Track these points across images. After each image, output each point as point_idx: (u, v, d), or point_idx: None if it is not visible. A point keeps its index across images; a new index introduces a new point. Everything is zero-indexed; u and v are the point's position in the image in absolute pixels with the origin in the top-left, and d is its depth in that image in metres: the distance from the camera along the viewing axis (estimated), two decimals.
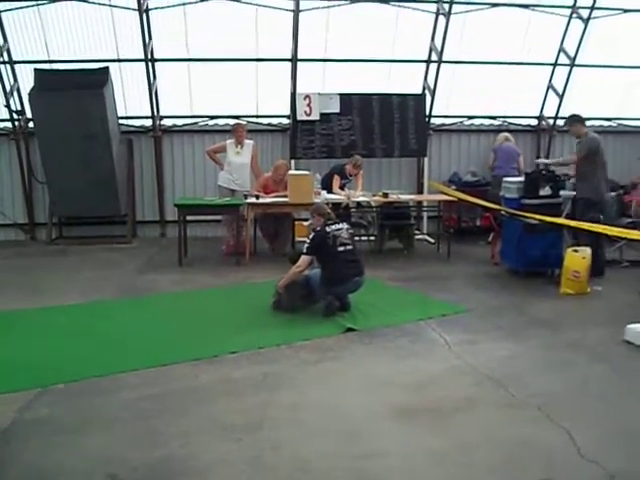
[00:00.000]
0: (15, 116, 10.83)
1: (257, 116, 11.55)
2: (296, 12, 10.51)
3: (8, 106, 10.76)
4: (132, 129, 11.31)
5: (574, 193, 8.74)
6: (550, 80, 12.03)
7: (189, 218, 9.70)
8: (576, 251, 7.60)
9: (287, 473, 3.67)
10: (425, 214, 11.52)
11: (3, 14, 10.26)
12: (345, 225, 6.96)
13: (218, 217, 10.31)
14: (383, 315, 6.68)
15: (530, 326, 6.37)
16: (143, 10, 10.20)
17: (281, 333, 6.14)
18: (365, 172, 10.46)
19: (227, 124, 11.09)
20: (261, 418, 4.29)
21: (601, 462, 3.66)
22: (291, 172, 9.84)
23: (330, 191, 9.73)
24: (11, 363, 5.30)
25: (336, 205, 9.17)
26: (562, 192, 8.49)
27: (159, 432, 4.11)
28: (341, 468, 3.70)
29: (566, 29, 11.53)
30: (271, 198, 9.49)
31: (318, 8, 10.68)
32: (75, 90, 9.64)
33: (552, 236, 8.17)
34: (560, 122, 11.42)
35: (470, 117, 12.16)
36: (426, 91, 11.63)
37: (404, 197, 10.23)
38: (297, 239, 9.58)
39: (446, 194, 10.55)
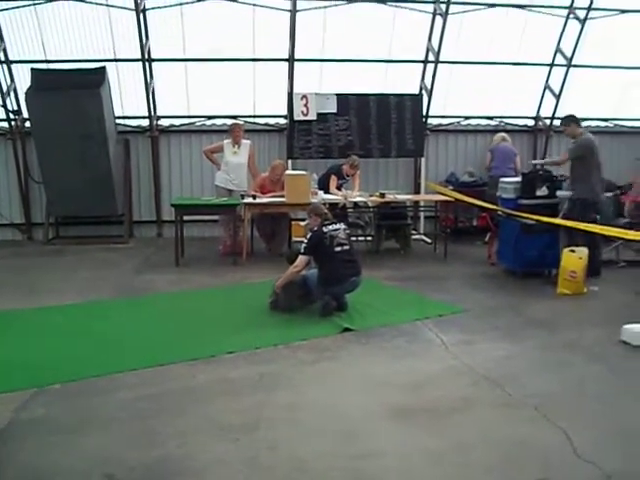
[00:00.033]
0: (12, 116, 10.82)
1: (254, 116, 11.55)
2: (293, 12, 10.52)
3: (5, 106, 10.75)
4: (129, 129, 11.31)
5: (571, 193, 8.75)
6: (547, 80, 12.06)
7: (186, 218, 9.70)
8: (573, 251, 7.61)
9: (284, 473, 3.67)
10: (422, 214, 11.52)
11: (0, 14, 10.24)
12: (342, 225, 6.97)
13: (215, 217, 10.30)
14: (380, 315, 6.68)
15: (527, 326, 6.38)
16: (140, 10, 10.19)
17: (278, 333, 6.14)
18: (362, 172, 10.45)
19: (224, 124, 11.11)
20: (258, 418, 4.29)
21: (597, 462, 3.67)
22: (288, 172, 9.84)
23: (327, 191, 9.73)
24: (8, 363, 5.29)
25: (333, 205, 9.18)
26: (559, 192, 8.49)
27: (156, 432, 4.11)
28: (338, 468, 3.70)
29: (563, 29, 11.56)
30: (268, 198, 9.48)
31: (315, 8, 10.69)
32: (72, 90, 9.64)
33: (549, 236, 8.17)
34: (557, 122, 11.43)
35: (467, 117, 12.17)
36: (423, 91, 11.64)
37: (401, 197, 10.25)
38: (294, 239, 9.58)
39: (443, 194, 10.56)
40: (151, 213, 11.47)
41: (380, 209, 10.17)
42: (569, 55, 11.68)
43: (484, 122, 12.29)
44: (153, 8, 10.42)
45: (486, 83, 11.65)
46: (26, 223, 11.19)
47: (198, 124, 11.51)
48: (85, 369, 5.17)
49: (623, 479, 3.58)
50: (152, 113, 11.17)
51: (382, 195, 9.85)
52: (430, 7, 11.00)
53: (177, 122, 11.48)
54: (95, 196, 10.31)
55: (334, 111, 11.06)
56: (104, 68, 10.18)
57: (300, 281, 6.82)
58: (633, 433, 4.11)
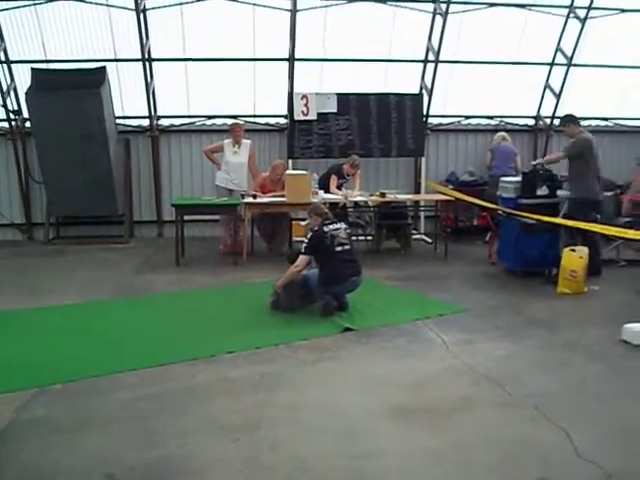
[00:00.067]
0: (12, 116, 10.82)
1: (254, 116, 11.55)
2: (293, 12, 10.52)
3: (5, 106, 10.75)
4: (129, 129, 11.31)
5: (569, 193, 8.74)
6: (547, 80, 12.06)
7: (186, 218, 9.69)
8: (573, 251, 7.61)
9: (285, 473, 3.67)
10: (422, 214, 11.52)
11: (0, 13, 10.24)
12: (343, 225, 6.97)
13: (215, 217, 10.31)
14: (380, 315, 6.68)
15: (527, 326, 6.38)
16: (140, 10, 10.20)
17: (279, 333, 6.14)
18: (362, 172, 10.45)
19: (224, 124, 11.11)
20: (259, 418, 4.29)
21: (598, 461, 3.67)
22: (288, 172, 9.84)
23: (327, 191, 9.73)
24: (8, 363, 5.29)
25: (333, 205, 9.18)
26: (559, 192, 8.49)
27: (156, 432, 4.11)
28: (339, 468, 3.70)
29: (563, 29, 11.55)
30: (268, 198, 9.48)
31: (315, 8, 10.69)
32: (72, 90, 9.64)
33: (549, 236, 8.16)
34: (557, 122, 11.42)
35: (467, 117, 12.17)
36: (423, 91, 11.64)
37: (401, 197, 10.24)
38: (294, 239, 9.58)
39: (443, 194, 10.55)
40: (151, 213, 11.47)
41: (380, 209, 10.17)
42: (569, 54, 11.68)
43: (484, 121, 12.29)
44: (153, 8, 10.42)
45: (486, 82, 11.64)
46: (26, 223, 11.19)
47: (198, 124, 11.51)
48: (85, 369, 5.17)
49: (624, 478, 3.58)
50: (152, 113, 11.17)
51: (382, 195, 9.85)
52: (430, 6, 11.00)
53: (177, 122, 11.48)
54: (95, 196, 10.31)
55: (334, 111, 11.06)
56: (104, 68, 10.18)
57: (301, 281, 6.82)
58: (634, 432, 4.11)
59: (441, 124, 12.10)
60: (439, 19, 10.94)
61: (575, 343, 5.85)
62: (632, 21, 11.41)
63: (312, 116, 10.97)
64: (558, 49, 11.75)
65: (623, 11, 11.35)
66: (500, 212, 8.89)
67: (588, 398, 4.68)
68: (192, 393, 4.77)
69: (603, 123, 12.64)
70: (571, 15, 11.38)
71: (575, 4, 11.27)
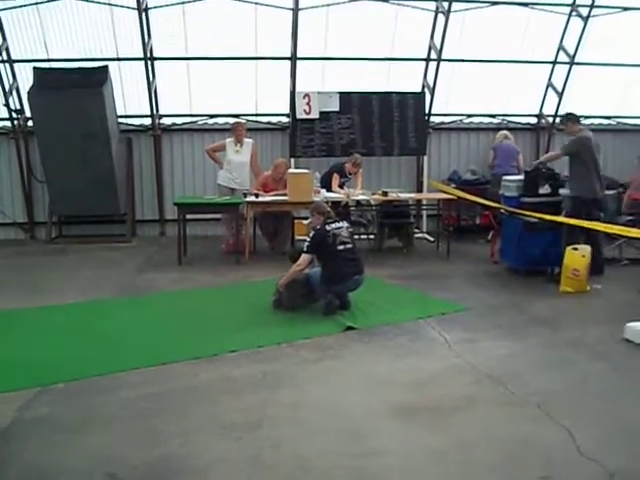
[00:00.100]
0: (14, 115, 10.83)
1: (256, 115, 11.54)
2: (295, 10, 10.50)
3: (7, 105, 10.75)
4: (131, 128, 11.30)
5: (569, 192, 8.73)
6: (549, 78, 12.04)
7: (189, 217, 9.70)
8: (576, 249, 7.60)
9: (287, 472, 3.67)
10: (424, 212, 11.52)
11: (2, 13, 10.24)
12: (345, 224, 6.96)
13: (218, 216, 10.31)
14: (383, 313, 6.68)
15: (530, 324, 6.38)
16: (142, 9, 10.20)
17: (281, 332, 6.14)
18: (364, 171, 10.45)
19: (227, 123, 11.09)
20: (261, 417, 4.29)
21: (601, 460, 3.66)
22: (291, 171, 9.84)
23: (329, 190, 9.73)
24: (11, 362, 5.30)
25: (335, 204, 9.17)
26: (562, 190, 8.48)
27: (158, 431, 4.11)
28: (341, 467, 3.70)
29: (565, 27, 11.53)
30: (271, 197, 9.49)
31: (317, 6, 10.66)
32: (74, 89, 9.64)
33: (552, 234, 8.15)
34: (559, 120, 11.42)
35: (469, 115, 12.16)
36: (425, 89, 11.63)
37: (403, 195, 10.23)
38: (297, 238, 9.58)
39: (445, 192, 10.55)
40: (154, 212, 11.47)
41: (383, 207, 10.16)
42: (572, 53, 11.66)
43: (487, 120, 12.27)
44: (155, 7, 10.42)
45: (488, 81, 11.63)
46: (29, 222, 11.20)
47: (200, 123, 11.51)
48: (88, 368, 5.17)
49: (626, 477, 3.58)
50: (154, 112, 11.17)
51: (385, 193, 9.85)
52: (432, 5, 10.98)
53: (179, 121, 11.47)
54: (98, 195, 10.31)
55: (337, 109, 11.06)
56: (106, 67, 10.18)
57: (303, 280, 6.82)
58: (636, 431, 4.10)
59: (443, 123, 12.08)
60: (441, 17, 10.92)
61: (578, 342, 5.84)
62: (634, 19, 11.39)
63: (314, 115, 10.97)
64: (560, 47, 11.73)
65: (625, 9, 11.32)
66: (502, 211, 8.88)
67: (591, 397, 4.68)
68: (194, 392, 4.78)
69: (606, 121, 12.63)
70: (573, 13, 11.36)
71: (577, 2, 11.24)
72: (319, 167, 10.55)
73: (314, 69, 11.35)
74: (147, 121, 11.29)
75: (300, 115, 10.93)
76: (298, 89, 11.10)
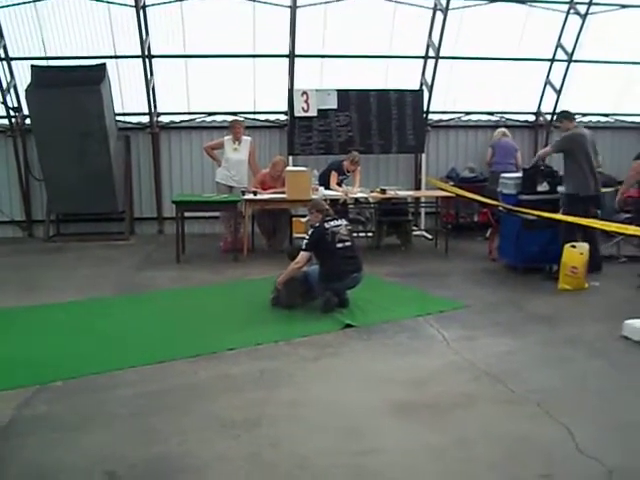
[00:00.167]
0: (12, 113, 10.81)
1: (255, 112, 11.55)
2: (293, 8, 10.50)
3: (5, 103, 10.74)
4: (129, 126, 11.31)
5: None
6: (548, 76, 12.04)
7: (187, 215, 9.70)
8: (574, 247, 7.60)
9: (286, 470, 3.66)
10: (423, 210, 11.52)
11: (0, 10, 10.22)
12: (344, 221, 6.96)
13: (216, 214, 10.31)
14: (381, 311, 6.68)
15: (528, 322, 6.38)
16: (140, 6, 10.18)
17: (279, 329, 6.13)
18: (363, 168, 10.45)
19: (224, 120, 11.09)
20: (260, 415, 4.29)
21: (600, 458, 3.66)
22: (289, 168, 9.85)
23: (328, 187, 9.72)
24: (9, 360, 5.29)
25: (334, 201, 9.16)
26: (560, 188, 8.48)
27: (157, 429, 4.11)
28: (340, 464, 3.70)
29: (564, 25, 11.54)
30: (269, 194, 9.49)
31: (315, 4, 10.65)
32: (72, 87, 9.63)
33: (550, 232, 8.15)
34: None
35: (468, 113, 12.16)
36: (424, 87, 11.63)
37: (402, 193, 10.23)
38: (295, 235, 9.58)
39: (444, 190, 10.55)
40: (152, 210, 11.46)
41: (381, 205, 10.16)
42: (570, 50, 11.66)
43: (485, 118, 12.28)
44: (153, 4, 10.40)
45: (487, 78, 11.63)
46: (27, 220, 11.19)
47: (198, 120, 11.51)
48: (86, 366, 5.16)
49: (625, 474, 3.58)
50: (152, 110, 11.16)
51: (383, 191, 9.85)
52: (431, 2, 10.98)
53: (177, 119, 11.47)
54: (96, 193, 10.30)
55: (335, 107, 11.05)
56: (104, 65, 10.17)
57: (301, 277, 6.81)
58: (635, 428, 4.10)
59: (441, 120, 12.08)
60: (439, 15, 10.92)
61: (576, 339, 5.84)
62: (632, 17, 11.38)
63: (312, 112, 10.96)
64: (558, 45, 11.74)
65: (623, 7, 11.32)
66: (501, 208, 8.88)
67: (589, 394, 4.68)
68: (193, 390, 4.77)
69: (604, 119, 12.65)
70: (571, 11, 11.36)
71: (575, 0, 11.24)
72: (317, 165, 10.55)
73: (312, 67, 11.37)
74: (145, 119, 11.28)
75: (298, 113, 10.93)
76: (296, 87, 11.10)
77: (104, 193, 10.39)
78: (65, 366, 5.18)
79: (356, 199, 10.06)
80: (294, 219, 9.83)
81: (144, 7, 10.33)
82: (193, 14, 10.56)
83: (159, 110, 11.33)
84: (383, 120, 11.23)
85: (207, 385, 4.87)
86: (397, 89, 11.37)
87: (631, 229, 7.43)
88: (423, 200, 11.38)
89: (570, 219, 7.82)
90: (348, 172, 10.03)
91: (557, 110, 11.87)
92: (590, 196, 8.16)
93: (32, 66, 10.12)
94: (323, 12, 10.81)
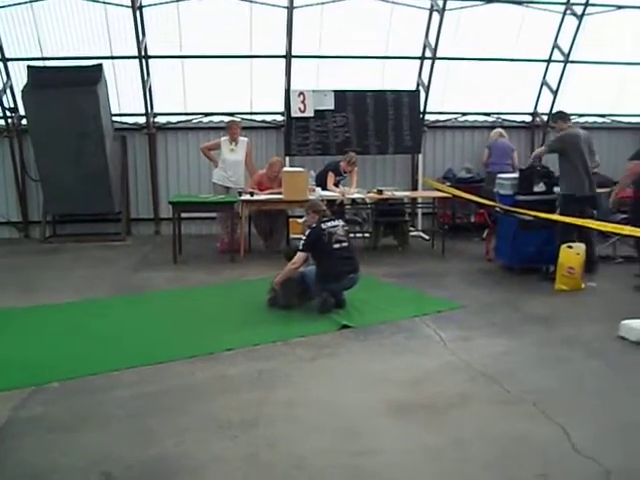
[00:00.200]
0: (8, 113, 10.80)
1: (251, 113, 11.55)
2: (290, 9, 10.50)
3: (1, 103, 10.73)
4: (126, 126, 11.30)
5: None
6: (544, 76, 12.06)
7: (183, 215, 9.71)
8: (570, 247, 7.61)
9: (283, 470, 3.66)
10: (419, 211, 11.54)
11: None
12: (341, 222, 6.96)
13: (213, 214, 10.30)
14: (378, 312, 6.68)
15: (524, 322, 6.38)
16: (136, 7, 10.19)
17: (276, 330, 6.13)
18: (359, 169, 10.46)
19: (221, 121, 11.09)
20: (257, 415, 4.29)
21: (597, 458, 3.67)
22: (286, 169, 9.84)
23: (325, 188, 9.73)
24: (6, 361, 5.28)
25: (331, 202, 9.17)
26: (556, 188, 8.48)
27: (154, 430, 4.10)
28: (337, 465, 3.70)
29: (560, 25, 11.56)
30: (266, 195, 9.49)
31: (312, 5, 10.66)
32: (68, 87, 9.62)
33: (547, 233, 8.16)
34: None
35: (464, 113, 12.18)
36: (420, 88, 11.64)
37: (398, 194, 10.24)
38: (292, 236, 9.58)
39: (440, 191, 10.56)
40: (148, 211, 11.46)
41: (378, 206, 10.16)
42: (566, 51, 11.69)
43: (481, 118, 12.30)
44: (150, 5, 10.41)
45: (483, 79, 11.65)
46: (23, 221, 11.18)
47: (195, 121, 11.50)
48: (83, 367, 5.15)
49: (623, 475, 3.58)
50: (149, 110, 11.16)
51: (380, 192, 9.85)
52: (427, 3, 11.00)
53: (174, 119, 11.47)
54: (92, 194, 10.29)
55: (331, 108, 11.05)
56: (101, 65, 10.17)
57: (298, 278, 6.81)
58: (632, 428, 4.11)
59: (438, 121, 12.09)
60: (436, 16, 10.93)
61: (573, 339, 5.85)
62: (629, 17, 11.42)
63: (309, 113, 10.96)
64: (555, 46, 11.76)
65: (620, 7, 11.36)
66: (497, 209, 8.89)
67: (586, 394, 4.68)
68: (190, 391, 4.76)
69: (600, 119, 12.67)
70: (568, 12, 11.39)
71: (572, 1, 11.27)
72: (314, 165, 10.56)
73: (309, 67, 11.37)
74: (142, 119, 11.28)
75: (295, 113, 10.93)
76: (293, 87, 11.10)
77: (100, 194, 10.38)
78: (61, 367, 5.17)
79: (353, 200, 10.06)
80: (291, 220, 9.83)
81: (140, 8, 10.34)
82: (190, 15, 10.56)
83: (156, 111, 11.33)
84: (380, 121, 11.24)
85: (204, 386, 4.86)
86: (394, 90, 11.37)
87: (627, 229, 7.43)
88: (420, 201, 11.39)
89: (567, 219, 7.82)
90: (345, 173, 10.04)
91: (554, 111, 11.88)
92: (585, 196, 8.14)
93: (28, 67, 10.11)
94: (320, 13, 10.82)
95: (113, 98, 10.79)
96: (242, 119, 11.05)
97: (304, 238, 6.76)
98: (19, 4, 10.17)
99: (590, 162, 8.22)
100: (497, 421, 4.26)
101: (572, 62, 11.79)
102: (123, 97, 11.15)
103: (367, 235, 10.32)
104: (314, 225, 6.80)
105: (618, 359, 5.40)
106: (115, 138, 10.78)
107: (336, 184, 9.94)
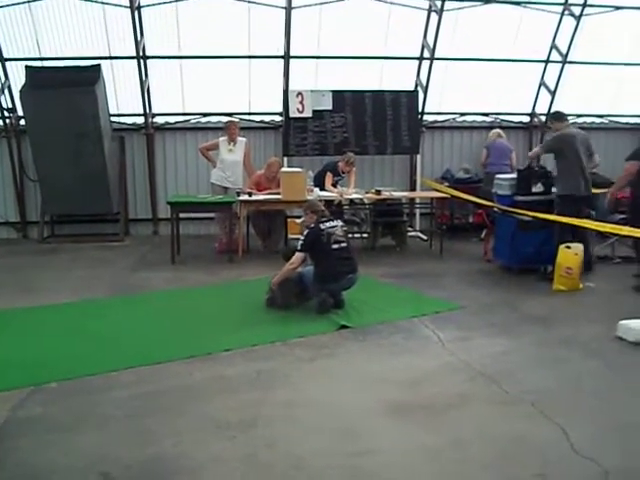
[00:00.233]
0: (6, 114, 10.79)
1: (250, 113, 11.54)
2: (288, 9, 10.50)
3: None
4: (124, 127, 11.29)
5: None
6: (542, 77, 12.07)
7: (182, 216, 9.70)
8: (568, 247, 7.61)
9: (281, 471, 3.66)
10: (418, 211, 11.55)
11: None
12: (339, 222, 6.95)
13: (211, 215, 10.31)
14: (377, 312, 6.68)
15: (523, 322, 6.38)
16: (135, 7, 10.18)
17: (275, 330, 6.12)
18: (358, 169, 10.47)
19: (220, 121, 11.09)
20: (255, 415, 4.28)
21: (595, 458, 3.67)
22: (284, 169, 9.84)
23: (323, 188, 9.73)
24: (4, 362, 5.27)
25: (329, 202, 9.17)
26: (554, 189, 8.48)
27: (152, 430, 4.10)
28: (336, 465, 3.70)
29: (558, 26, 11.57)
30: (264, 195, 9.49)
31: (310, 5, 10.66)
32: (66, 88, 9.60)
33: (545, 233, 8.16)
34: None
35: (463, 114, 12.18)
36: (418, 88, 11.64)
37: (397, 194, 10.24)
38: (290, 236, 9.58)
39: (439, 191, 10.57)
40: (147, 211, 11.45)
41: (376, 206, 10.16)
42: (564, 51, 11.70)
43: (480, 119, 12.30)
44: (148, 5, 10.40)
45: (481, 80, 11.65)
46: (21, 221, 11.17)
47: (193, 121, 11.50)
48: (81, 367, 5.15)
49: (621, 475, 3.58)
50: (147, 111, 11.15)
51: (378, 192, 9.85)
52: (425, 3, 11.00)
53: (172, 120, 11.46)
54: (90, 194, 10.28)
55: (330, 108, 11.05)
56: (99, 66, 10.15)
57: (296, 278, 6.80)
58: (630, 429, 4.11)
59: (436, 121, 12.10)
60: (434, 16, 10.94)
61: (571, 340, 5.85)
62: (626, 18, 11.44)
63: (307, 113, 10.96)
64: (553, 46, 11.77)
65: (618, 8, 11.38)
66: (495, 209, 8.90)
67: (584, 395, 4.69)
68: (189, 391, 4.76)
69: (598, 120, 12.68)
70: (566, 12, 11.40)
71: (570, 1, 11.29)
72: (312, 166, 10.56)
73: (307, 67, 11.36)
74: (140, 120, 11.27)
75: (293, 114, 10.93)
76: (291, 87, 11.10)
77: (99, 194, 10.36)
78: (60, 367, 5.17)
79: (351, 200, 10.07)
80: (289, 220, 9.83)
81: (139, 8, 10.33)
82: (188, 15, 10.55)
83: (154, 111, 11.32)
84: (378, 121, 11.24)
85: (202, 386, 4.86)
86: (392, 90, 11.38)
87: (625, 230, 7.44)
88: (418, 201, 11.41)
89: (565, 220, 7.82)
90: (343, 173, 10.04)
91: (552, 111, 11.89)
92: (582, 196, 8.14)
93: (26, 67, 10.09)
94: (318, 13, 10.82)
95: (111, 98, 10.79)
96: (240, 119, 11.04)
97: (302, 238, 6.76)
98: (17, 4, 10.16)
99: (587, 162, 8.22)
100: (496, 421, 4.26)
101: (570, 62, 11.81)
102: (121, 97, 11.14)
103: (365, 235, 10.33)
104: (312, 225, 6.80)
105: (616, 359, 5.40)
106: (113, 138, 10.77)
107: (334, 184, 9.94)
